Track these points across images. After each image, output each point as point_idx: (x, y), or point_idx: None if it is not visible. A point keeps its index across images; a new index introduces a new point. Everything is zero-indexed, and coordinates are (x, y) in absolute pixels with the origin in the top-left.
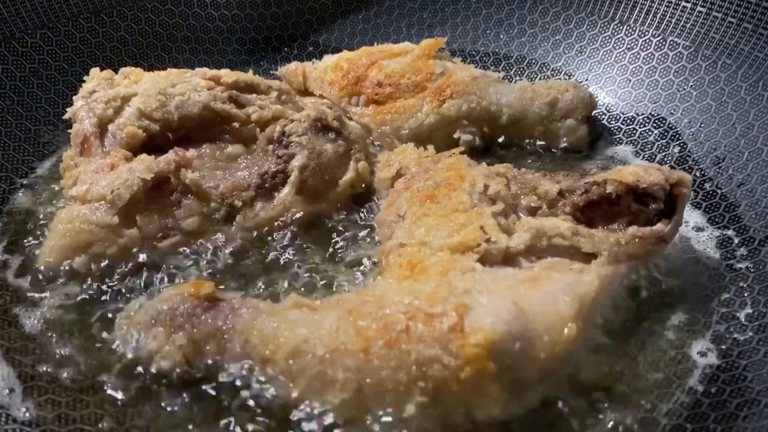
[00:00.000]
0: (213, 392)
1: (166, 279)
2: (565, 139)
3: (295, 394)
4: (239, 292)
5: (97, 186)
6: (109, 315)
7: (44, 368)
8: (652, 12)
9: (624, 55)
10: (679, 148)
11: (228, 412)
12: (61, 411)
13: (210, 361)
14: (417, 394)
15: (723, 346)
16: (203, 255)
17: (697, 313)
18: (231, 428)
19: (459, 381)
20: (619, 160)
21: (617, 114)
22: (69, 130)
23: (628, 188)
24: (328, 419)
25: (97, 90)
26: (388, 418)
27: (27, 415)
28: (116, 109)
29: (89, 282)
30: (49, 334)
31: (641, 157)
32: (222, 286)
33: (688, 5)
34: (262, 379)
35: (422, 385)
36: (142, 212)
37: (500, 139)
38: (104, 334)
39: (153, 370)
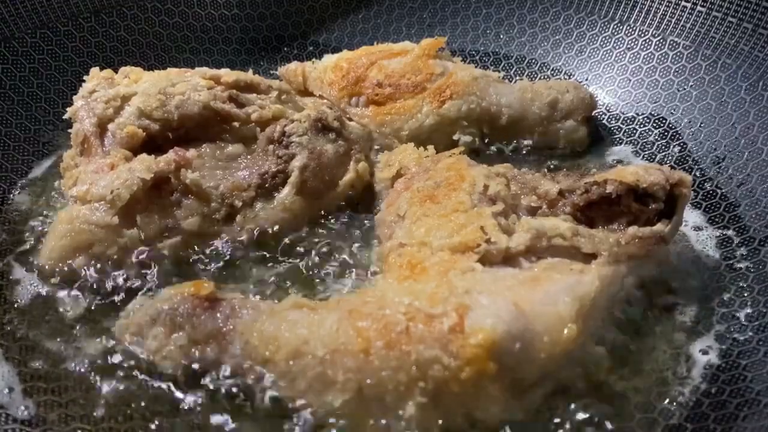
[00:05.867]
0: (213, 393)
1: (166, 279)
2: (565, 139)
3: (295, 395)
4: (239, 293)
5: (97, 186)
6: (110, 315)
7: (44, 367)
8: (652, 12)
9: (624, 55)
10: (679, 148)
11: (228, 413)
12: (61, 411)
13: (210, 362)
14: (417, 395)
15: (723, 346)
16: (203, 255)
17: (697, 313)
18: (231, 428)
19: (459, 381)
20: (619, 160)
21: (617, 114)
22: (69, 130)
23: (629, 188)
24: (329, 420)
25: (97, 90)
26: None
27: (26, 414)
28: (116, 109)
29: (89, 282)
30: (50, 333)
31: (641, 157)
32: (222, 286)
33: (688, 5)
34: (263, 379)
35: (422, 386)
36: (142, 212)
37: (500, 140)
38: (104, 334)
39: (153, 370)
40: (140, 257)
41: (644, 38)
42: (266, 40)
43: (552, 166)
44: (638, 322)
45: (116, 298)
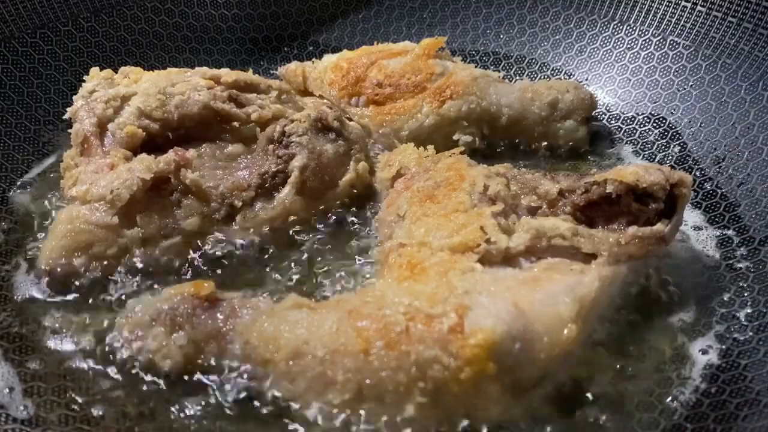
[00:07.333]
0: (213, 393)
1: (165, 279)
2: (565, 139)
3: (295, 396)
4: (239, 292)
5: (97, 186)
6: (109, 315)
7: (44, 367)
8: (652, 12)
9: (624, 55)
10: (679, 147)
11: (228, 413)
12: (61, 411)
13: (210, 362)
14: (417, 395)
15: (723, 346)
16: (203, 255)
17: (697, 313)
18: (231, 428)
19: (459, 382)
20: (619, 160)
21: (617, 114)
22: (69, 130)
23: (629, 188)
24: (328, 420)
25: (97, 89)
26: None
27: (26, 414)
28: (116, 109)
29: (89, 282)
30: (49, 333)
31: (641, 157)
32: (222, 287)
33: (688, 5)
34: (262, 380)
35: (422, 386)
36: (142, 212)
37: (500, 140)
38: (104, 334)
39: (153, 370)
40: (140, 257)
41: (644, 38)
42: (266, 40)
43: (552, 166)
44: (638, 321)
45: (116, 298)
